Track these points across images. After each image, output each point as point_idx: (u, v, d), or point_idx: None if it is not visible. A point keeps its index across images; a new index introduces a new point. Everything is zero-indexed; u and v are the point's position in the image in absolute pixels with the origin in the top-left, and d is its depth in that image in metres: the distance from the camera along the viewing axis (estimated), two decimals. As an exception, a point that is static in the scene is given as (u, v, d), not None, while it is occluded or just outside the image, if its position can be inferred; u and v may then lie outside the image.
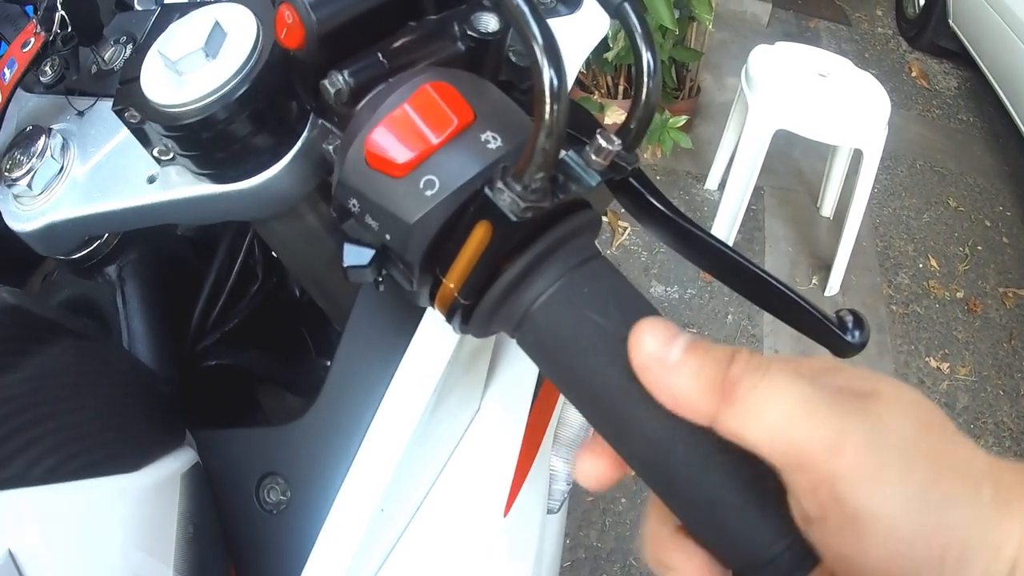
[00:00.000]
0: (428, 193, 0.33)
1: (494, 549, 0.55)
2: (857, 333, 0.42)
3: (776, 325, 2.63)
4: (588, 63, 2.93)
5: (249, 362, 0.63)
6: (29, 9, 0.59)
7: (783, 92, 2.45)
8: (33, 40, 0.49)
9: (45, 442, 0.36)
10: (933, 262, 3.02)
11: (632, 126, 0.37)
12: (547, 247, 0.33)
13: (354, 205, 0.36)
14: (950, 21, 4.16)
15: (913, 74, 4.30)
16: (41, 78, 0.53)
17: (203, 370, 0.61)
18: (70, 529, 0.35)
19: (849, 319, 0.42)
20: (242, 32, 0.41)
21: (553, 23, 0.57)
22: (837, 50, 4.32)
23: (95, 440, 0.39)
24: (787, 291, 0.43)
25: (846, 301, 2.76)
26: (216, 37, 0.41)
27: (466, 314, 0.35)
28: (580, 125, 0.43)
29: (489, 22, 0.41)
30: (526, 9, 0.31)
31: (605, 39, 2.65)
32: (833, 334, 0.42)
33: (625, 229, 2.87)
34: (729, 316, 2.61)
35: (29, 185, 0.48)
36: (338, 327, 0.65)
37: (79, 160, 0.49)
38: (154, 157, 0.46)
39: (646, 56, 0.36)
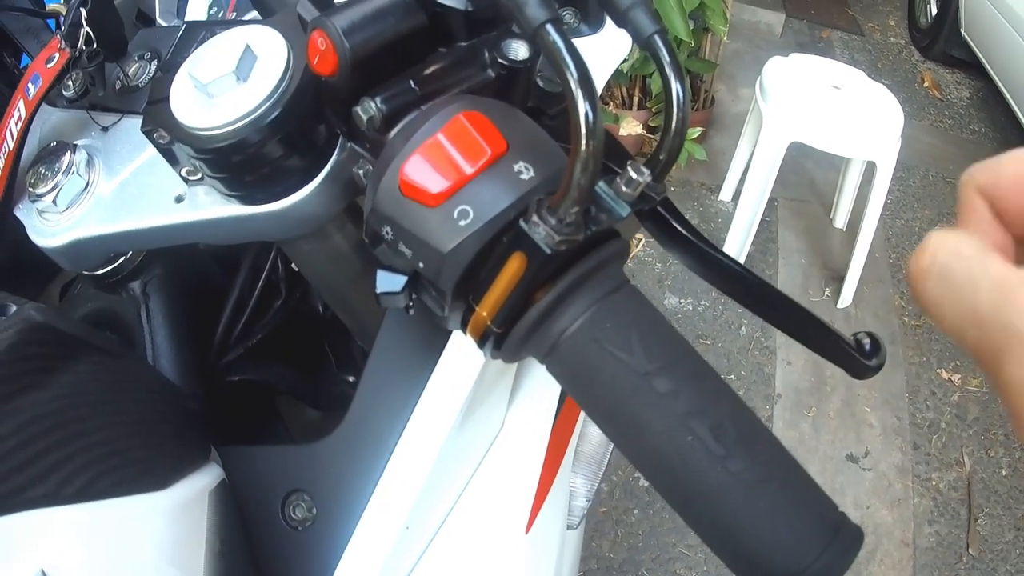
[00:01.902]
0: (462, 223, 0.34)
1: (516, 566, 0.56)
2: (875, 355, 0.43)
3: (788, 337, 2.61)
4: (602, 74, 2.93)
5: (272, 377, 0.64)
6: (51, 22, 0.59)
7: (797, 104, 2.45)
8: (58, 56, 0.49)
9: (75, 460, 0.36)
10: (945, 274, 3.01)
11: (661, 157, 0.37)
12: (578, 278, 0.34)
13: (387, 232, 0.36)
14: (962, 31, 4.15)
15: (925, 84, 4.29)
16: (64, 92, 0.53)
17: (227, 385, 0.61)
18: (102, 548, 0.35)
19: (867, 342, 0.43)
20: (273, 55, 0.41)
21: (576, 43, 0.58)
22: (850, 60, 4.32)
23: (124, 458, 0.39)
24: (808, 315, 0.44)
25: (859, 313, 2.76)
26: (247, 60, 0.41)
27: (498, 341, 0.36)
28: (609, 152, 0.43)
29: (519, 50, 0.41)
30: (562, 45, 0.31)
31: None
32: (851, 357, 0.43)
33: (639, 241, 2.87)
34: (743, 328, 2.61)
35: (54, 201, 0.49)
36: (361, 343, 0.65)
37: (105, 177, 0.50)
38: (182, 177, 0.46)
39: (675, 87, 0.36)
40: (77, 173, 0.49)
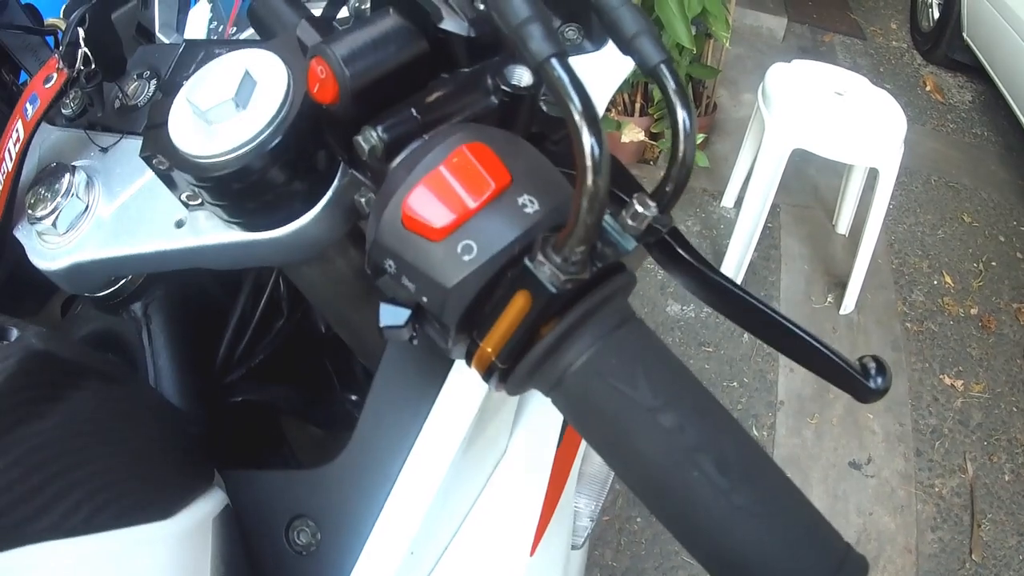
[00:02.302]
0: (466, 258, 0.33)
1: None
2: (880, 379, 0.43)
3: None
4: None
5: (275, 397, 0.63)
6: (49, 39, 0.59)
7: (800, 111, 2.45)
8: (56, 76, 0.49)
9: (78, 491, 0.36)
10: (948, 279, 3.01)
11: (668, 188, 0.37)
12: (583, 314, 0.33)
13: (390, 265, 0.36)
14: (964, 34, 4.14)
15: (928, 88, 4.28)
16: (63, 111, 0.53)
17: (229, 406, 0.61)
18: None
19: (872, 366, 0.42)
20: (273, 81, 0.41)
21: (579, 60, 0.58)
22: (852, 64, 4.31)
23: (127, 487, 0.39)
24: (813, 341, 0.43)
25: (861, 319, 2.76)
26: (247, 86, 0.41)
27: (503, 376, 0.35)
28: (616, 181, 0.43)
29: (523, 76, 0.41)
30: (567, 80, 0.30)
31: (620, 56, 2.68)
32: (856, 380, 0.43)
33: (640, 247, 2.87)
34: (745, 335, 2.60)
35: (54, 224, 0.48)
36: (364, 362, 0.65)
37: (104, 199, 0.49)
38: (182, 201, 0.45)
39: (682, 116, 0.35)
40: (76, 196, 0.49)
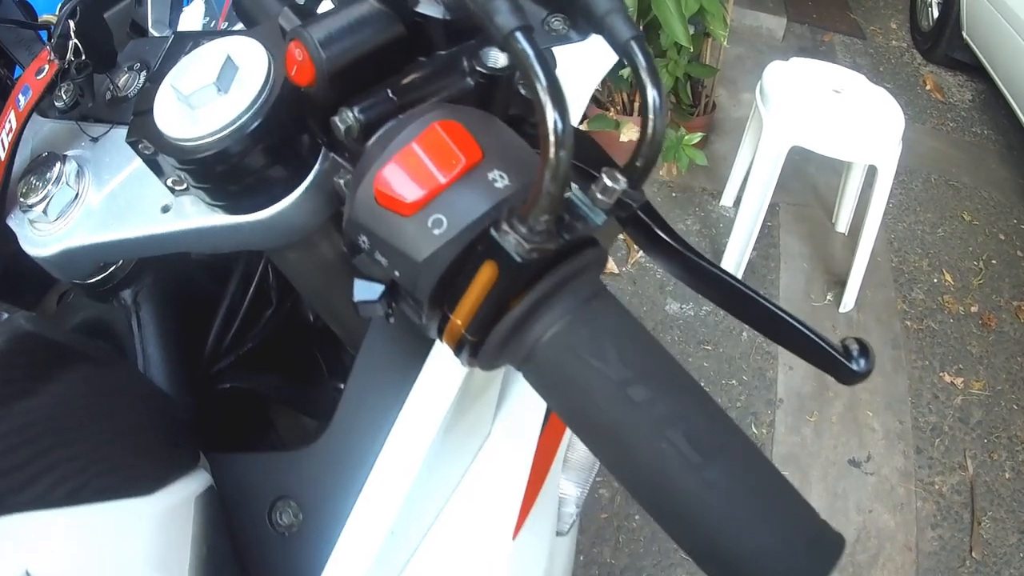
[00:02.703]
0: (436, 232, 0.34)
1: (503, 570, 0.56)
2: (863, 361, 0.43)
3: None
4: (604, 80, 2.94)
5: (263, 385, 0.64)
6: (43, 33, 0.60)
7: (798, 109, 2.45)
8: (47, 67, 0.50)
9: (64, 466, 0.36)
10: (948, 277, 3.01)
11: (638, 163, 0.37)
12: (552, 286, 0.34)
13: (364, 241, 0.37)
14: (964, 33, 4.15)
15: (928, 87, 4.29)
16: (56, 103, 0.54)
17: (218, 393, 0.62)
18: (87, 551, 0.36)
19: (855, 348, 0.43)
20: (253, 66, 0.42)
21: (565, 50, 0.58)
22: (852, 64, 4.32)
23: (112, 463, 0.40)
24: (794, 321, 0.44)
25: (861, 317, 2.76)
26: (228, 71, 0.41)
27: (473, 349, 0.36)
28: (590, 158, 0.44)
29: (498, 58, 0.41)
30: (531, 53, 0.31)
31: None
32: (838, 362, 0.43)
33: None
34: (744, 333, 2.61)
35: (45, 211, 0.49)
36: (351, 351, 0.66)
37: (94, 187, 0.50)
38: (168, 187, 0.46)
39: (652, 94, 0.36)
40: (67, 184, 0.50)
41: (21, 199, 0.50)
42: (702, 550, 0.34)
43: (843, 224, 3.09)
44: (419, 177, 0.35)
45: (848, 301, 2.75)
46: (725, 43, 2.83)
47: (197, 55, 0.43)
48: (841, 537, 0.34)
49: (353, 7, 0.39)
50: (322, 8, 0.54)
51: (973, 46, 4.09)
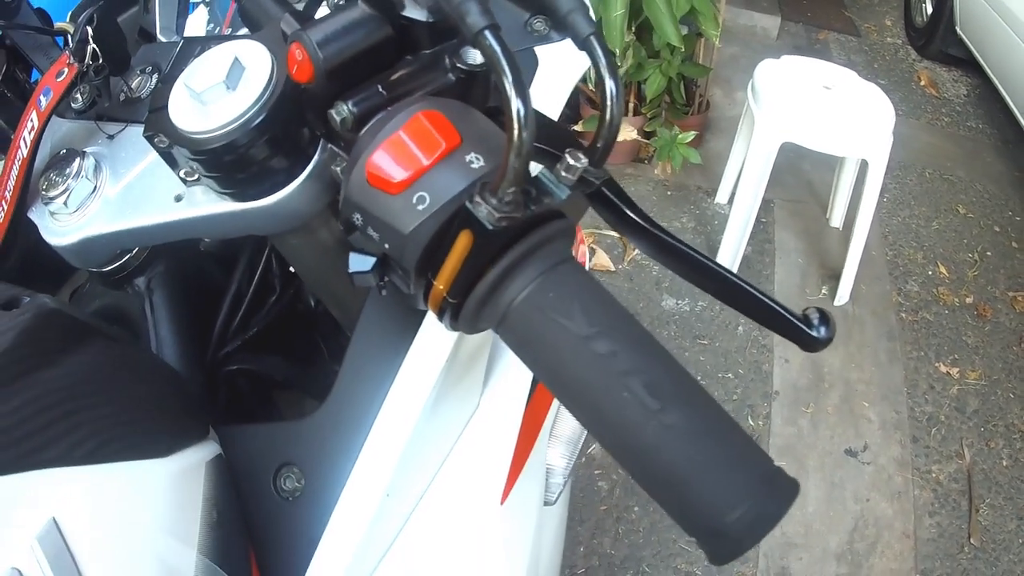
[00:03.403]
0: (420, 207, 0.38)
1: (492, 533, 0.60)
2: (823, 329, 0.46)
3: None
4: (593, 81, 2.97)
5: (268, 367, 0.68)
6: (59, 40, 0.64)
7: (788, 105, 2.49)
8: (67, 70, 0.54)
9: (84, 428, 0.40)
10: (943, 269, 3.04)
11: (599, 144, 0.41)
12: (522, 253, 0.38)
13: (357, 219, 0.41)
14: (957, 29, 4.17)
15: (922, 83, 4.31)
16: (73, 104, 0.58)
17: (225, 374, 0.66)
18: (106, 503, 0.39)
19: (815, 316, 0.46)
20: (258, 66, 0.46)
21: (547, 49, 0.62)
22: (846, 61, 4.34)
23: (129, 428, 0.43)
24: (756, 292, 0.47)
25: (856, 310, 2.79)
26: (236, 71, 0.46)
27: (455, 312, 0.40)
28: (560, 142, 0.48)
29: (476, 56, 0.46)
30: (498, 48, 0.36)
31: (614, 57, 2.71)
32: (800, 330, 0.46)
33: (637, 243, 2.91)
34: (740, 328, 2.64)
35: (65, 203, 0.53)
36: (350, 334, 0.70)
37: (111, 180, 0.54)
38: (180, 178, 0.51)
39: (609, 84, 0.40)
40: (86, 177, 0.54)
41: (43, 192, 0.54)
42: (665, 493, 0.37)
43: (837, 219, 3.11)
44: (405, 160, 0.39)
45: (843, 294, 2.78)
46: (717, 43, 2.87)
47: (207, 57, 0.47)
48: (795, 482, 0.37)
49: (346, 12, 0.43)
50: (319, 13, 0.58)
51: (967, 41, 4.10)
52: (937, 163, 3.67)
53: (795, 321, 0.46)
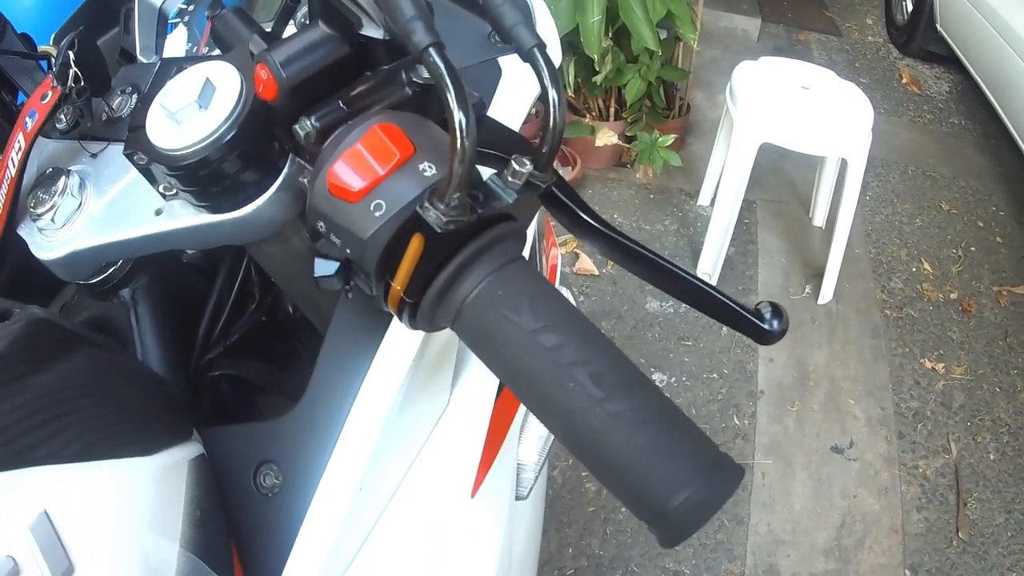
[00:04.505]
0: (377, 214, 0.41)
1: (461, 526, 0.63)
2: (776, 322, 0.49)
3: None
4: (579, 87, 3.01)
5: (249, 372, 0.71)
6: (43, 63, 0.66)
7: (766, 106, 2.51)
8: (51, 93, 0.56)
9: (73, 429, 0.43)
10: (926, 265, 3.07)
11: (544, 150, 0.44)
12: (471, 254, 0.41)
13: (321, 226, 0.44)
14: (938, 26, 4.21)
15: (904, 81, 4.35)
16: (57, 125, 0.60)
17: (208, 379, 0.68)
18: (94, 497, 0.42)
19: (767, 310, 0.49)
20: (228, 86, 0.49)
21: (510, 60, 0.65)
22: (828, 61, 4.38)
23: (115, 428, 0.46)
24: (708, 288, 0.50)
25: (840, 308, 2.81)
26: (207, 91, 0.49)
27: (412, 311, 0.43)
28: (513, 147, 0.51)
29: None
30: (441, 65, 0.39)
31: (593, 63, 2.72)
32: (752, 324, 0.49)
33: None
34: (724, 328, 2.64)
35: (52, 219, 0.56)
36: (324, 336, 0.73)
37: (95, 196, 0.57)
38: (160, 193, 0.53)
39: (552, 93, 0.43)
40: (71, 194, 0.56)
41: (31, 210, 0.57)
42: (614, 478, 0.39)
43: (820, 218, 3.14)
44: (362, 170, 0.42)
45: (826, 293, 2.80)
46: (696, 46, 2.90)
47: (181, 78, 0.50)
48: (740, 468, 0.39)
49: (307, 33, 0.46)
50: (287, 31, 0.61)
51: (947, 38, 4.14)
52: (920, 160, 3.71)
53: (747, 315, 0.49)
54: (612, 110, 3.13)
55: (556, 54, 0.68)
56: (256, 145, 0.50)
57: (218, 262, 0.72)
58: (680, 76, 3.11)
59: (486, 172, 0.49)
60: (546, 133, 0.44)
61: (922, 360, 2.68)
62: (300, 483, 0.55)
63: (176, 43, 0.76)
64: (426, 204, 0.40)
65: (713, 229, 2.72)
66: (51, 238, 0.57)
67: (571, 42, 2.63)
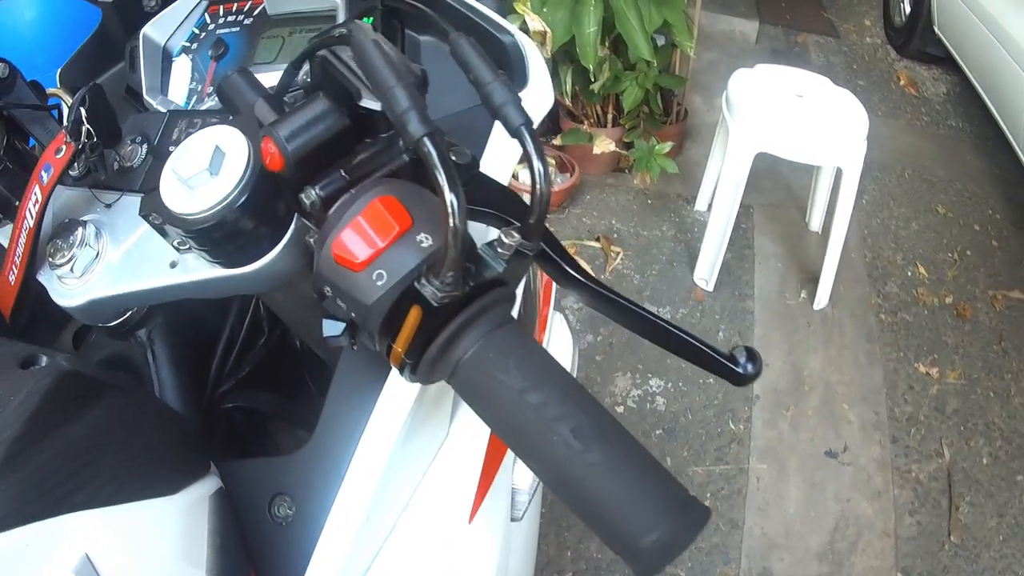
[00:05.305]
0: (379, 283, 0.45)
1: (460, 550, 0.67)
2: (750, 366, 0.53)
3: (765, 340, 2.70)
4: (576, 95, 3.04)
5: (260, 403, 0.75)
6: (55, 112, 0.68)
7: (761, 116, 2.53)
8: (65, 148, 0.59)
9: (105, 474, 0.47)
10: (922, 269, 3.09)
11: (531, 222, 0.48)
12: (464, 321, 0.46)
13: (328, 290, 0.48)
14: (935, 28, 4.22)
15: (902, 83, 4.36)
16: (71, 173, 0.63)
17: (223, 411, 0.73)
18: (128, 538, 0.46)
19: (742, 355, 0.53)
20: (237, 152, 0.52)
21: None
22: (825, 63, 4.39)
23: (141, 471, 0.50)
24: (685, 335, 0.54)
25: (835, 313, 2.84)
26: (217, 157, 0.52)
27: (412, 368, 0.47)
28: (508, 206, 0.55)
29: None
30: (435, 154, 0.43)
31: (589, 72, 2.75)
32: (727, 368, 0.53)
33: (618, 254, 2.97)
34: (720, 333, 2.70)
35: (71, 269, 0.59)
36: (332, 367, 0.77)
37: (111, 246, 0.60)
38: (174, 247, 0.57)
39: (536, 167, 0.46)
40: (88, 245, 0.60)
41: (49, 259, 0.60)
42: (594, 520, 0.44)
43: (816, 223, 3.15)
44: (365, 242, 0.46)
45: (822, 298, 2.81)
46: (692, 54, 2.93)
47: (191, 143, 0.53)
48: (707, 509, 0.43)
49: (310, 107, 0.50)
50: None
51: (944, 40, 4.15)
52: (917, 163, 3.71)
53: (722, 360, 0.53)
54: (610, 116, 3.16)
55: (548, 95, 0.71)
56: (265, 206, 0.53)
57: (229, 300, 0.76)
58: (677, 84, 3.14)
59: (478, 228, 0.53)
60: (532, 203, 0.47)
61: (916, 365, 2.70)
62: (312, 513, 0.59)
63: (180, 79, 0.79)
64: (423, 280, 0.44)
65: (709, 235, 2.74)
66: (71, 286, 0.60)
67: (568, 52, 2.66)
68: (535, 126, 0.73)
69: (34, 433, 0.43)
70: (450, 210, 0.42)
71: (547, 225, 0.54)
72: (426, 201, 0.49)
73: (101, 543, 0.44)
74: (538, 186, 0.47)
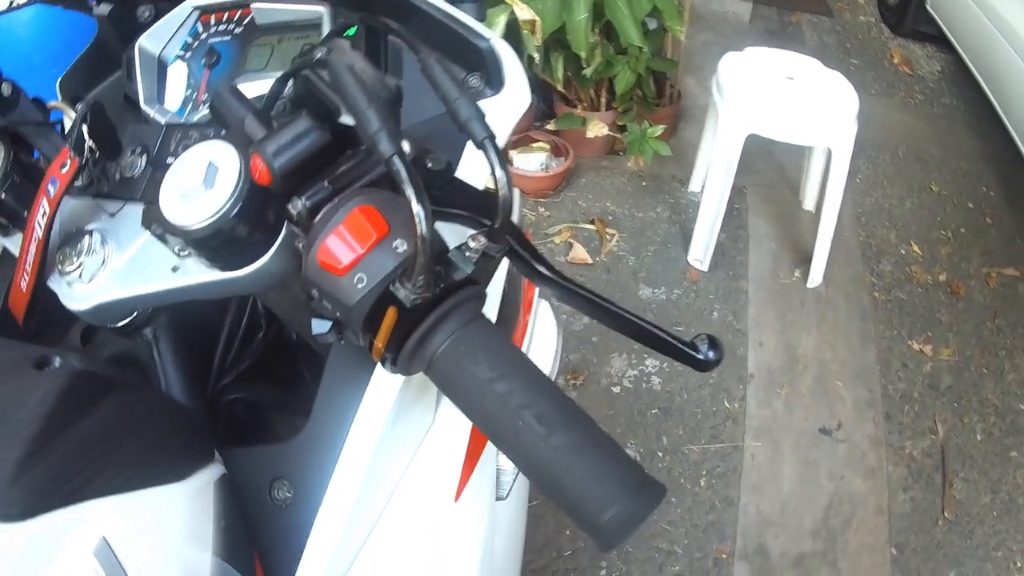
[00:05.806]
0: (359, 286, 0.50)
1: (447, 527, 0.73)
2: (711, 353, 0.57)
3: (760, 320, 2.73)
4: (568, 80, 3.07)
5: (259, 394, 0.80)
6: (57, 126, 0.71)
7: (751, 98, 2.56)
8: (69, 163, 0.63)
9: (117, 465, 0.51)
10: (916, 248, 3.12)
11: (496, 226, 0.52)
12: (437, 318, 0.50)
13: (314, 292, 0.52)
14: (928, 6, 4.24)
15: (895, 61, 4.37)
16: (76, 184, 0.66)
17: (224, 403, 0.78)
18: (141, 522, 0.51)
19: (703, 344, 0.57)
20: (230, 166, 0.56)
21: (484, 102, 0.73)
22: (819, 42, 4.41)
23: (151, 460, 0.54)
24: (648, 325, 0.58)
25: (829, 292, 2.86)
26: (211, 172, 0.56)
27: (392, 361, 0.52)
28: (481, 208, 0.58)
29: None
30: (403, 171, 0.48)
31: (580, 59, 2.77)
32: (689, 355, 0.57)
33: (613, 236, 3.00)
34: (715, 313, 2.73)
35: (80, 275, 0.63)
36: (325, 357, 0.81)
37: (117, 253, 0.64)
38: (175, 253, 0.61)
39: (500, 175, 0.50)
40: (95, 252, 0.63)
41: (59, 266, 0.64)
42: (559, 498, 0.48)
43: (810, 202, 3.18)
44: (346, 249, 0.50)
45: (816, 277, 2.84)
46: (683, 38, 2.95)
47: (187, 158, 0.57)
48: (663, 486, 0.48)
49: (294, 125, 0.54)
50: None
51: (937, 18, 4.16)
52: (911, 142, 3.73)
53: (683, 348, 0.57)
54: (603, 100, 3.19)
55: (524, 96, 0.74)
56: (257, 215, 0.57)
57: (228, 299, 0.81)
58: (669, 67, 3.17)
59: (455, 229, 0.57)
60: (497, 209, 0.52)
61: (910, 342, 2.73)
62: (309, 495, 0.64)
63: (175, 87, 0.82)
64: (397, 284, 0.48)
65: (702, 217, 2.77)
66: (80, 291, 0.64)
67: (559, 39, 2.69)
68: (514, 125, 0.77)
69: (51, 430, 0.47)
70: (418, 220, 0.47)
71: (516, 224, 0.59)
72: (401, 209, 0.52)
73: (117, 527, 0.48)
74: (500, 192, 0.51)
